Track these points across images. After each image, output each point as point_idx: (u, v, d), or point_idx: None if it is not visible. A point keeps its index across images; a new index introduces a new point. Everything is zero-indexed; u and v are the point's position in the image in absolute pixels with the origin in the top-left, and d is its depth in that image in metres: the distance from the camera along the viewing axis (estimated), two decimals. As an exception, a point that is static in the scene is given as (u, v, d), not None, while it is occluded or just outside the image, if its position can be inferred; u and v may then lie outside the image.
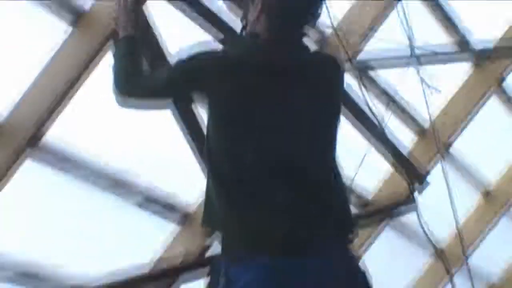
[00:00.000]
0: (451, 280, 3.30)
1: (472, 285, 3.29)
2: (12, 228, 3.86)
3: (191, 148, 3.21)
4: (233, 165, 2.51)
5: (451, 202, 3.61)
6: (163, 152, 3.87)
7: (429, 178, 5.11)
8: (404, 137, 5.04)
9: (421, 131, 5.36)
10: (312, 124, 2.56)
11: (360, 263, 2.69)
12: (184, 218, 4.36)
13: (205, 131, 2.65)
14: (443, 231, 5.35)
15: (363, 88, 3.14)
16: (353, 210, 4.39)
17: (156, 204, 4.30)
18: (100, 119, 3.68)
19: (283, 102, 2.51)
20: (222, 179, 2.53)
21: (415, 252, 6.08)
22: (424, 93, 4.06)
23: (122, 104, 2.75)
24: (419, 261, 6.26)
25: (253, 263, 2.42)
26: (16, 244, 3.92)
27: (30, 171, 3.69)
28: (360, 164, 4.57)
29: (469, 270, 4.27)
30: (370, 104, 3.16)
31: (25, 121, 3.53)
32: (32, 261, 4.01)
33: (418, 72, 3.93)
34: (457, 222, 3.54)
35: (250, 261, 2.43)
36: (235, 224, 2.48)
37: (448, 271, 3.45)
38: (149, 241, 4.44)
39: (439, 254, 3.81)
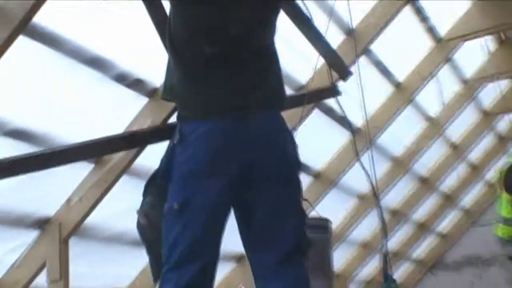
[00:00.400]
0: (357, 155, 3.34)
1: (372, 157, 3.33)
2: (8, 96, 3.80)
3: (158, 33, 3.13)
4: (190, 46, 2.53)
5: (361, 90, 3.64)
6: (137, 36, 3.81)
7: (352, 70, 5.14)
8: (333, 36, 5.03)
9: (348, 32, 5.36)
10: (254, 16, 2.57)
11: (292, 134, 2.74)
12: (152, 91, 4.34)
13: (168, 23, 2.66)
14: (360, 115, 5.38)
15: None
16: (288, 91, 4.43)
17: (129, 78, 4.26)
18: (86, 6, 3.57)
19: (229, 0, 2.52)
20: (181, 57, 2.55)
21: (339, 131, 6.18)
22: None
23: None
24: (342, 138, 6.37)
25: (202, 122, 2.47)
26: (11, 109, 3.87)
27: (23, 49, 3.57)
28: (315, 66, 4.61)
29: (371, 144, 4.35)
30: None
31: (20, 3, 3.42)
32: (26, 125, 3.98)
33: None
34: (365, 108, 3.58)
35: (199, 121, 2.48)
36: (189, 93, 2.54)
37: (355, 148, 3.50)
38: (123, 110, 4.42)
39: (353, 132, 3.86)
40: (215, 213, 2.46)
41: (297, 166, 2.62)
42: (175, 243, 2.43)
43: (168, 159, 2.57)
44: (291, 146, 2.62)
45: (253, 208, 2.49)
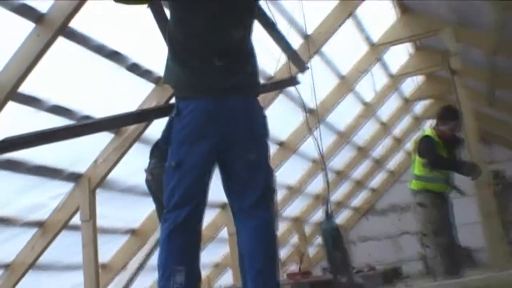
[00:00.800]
0: (309, 130, 3.30)
1: (320, 131, 3.30)
2: (50, 81, 3.74)
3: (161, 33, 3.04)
4: (184, 44, 2.48)
5: (313, 81, 3.59)
6: (146, 36, 3.71)
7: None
8: (294, 40, 4.97)
9: (305, 37, 5.32)
10: (234, 21, 2.52)
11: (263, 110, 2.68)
12: (157, 79, 4.29)
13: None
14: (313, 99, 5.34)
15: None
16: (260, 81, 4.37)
17: (140, 69, 4.21)
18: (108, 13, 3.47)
19: (215, 9, 2.45)
20: (177, 52, 2.51)
21: (297, 111, 6.01)
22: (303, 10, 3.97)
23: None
24: (299, 117, 6.28)
25: (194, 100, 2.43)
26: (53, 91, 3.82)
27: (61, 46, 3.54)
28: (277, 62, 4.55)
29: (319, 121, 4.31)
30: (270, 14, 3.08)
31: (60, 12, 3.36)
32: (63, 103, 3.94)
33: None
34: (315, 94, 3.53)
35: (192, 99, 2.44)
36: (183, 80, 2.49)
37: (308, 125, 3.45)
38: (136, 93, 4.37)
39: (307, 112, 3.81)
40: (202, 169, 2.41)
41: (266, 134, 2.56)
42: (173, 191, 2.38)
43: (168, 129, 2.51)
44: (262, 119, 2.56)
45: (232, 165, 2.45)
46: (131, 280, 4.28)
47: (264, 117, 2.58)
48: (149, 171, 3.70)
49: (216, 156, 2.45)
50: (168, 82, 2.63)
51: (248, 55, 2.61)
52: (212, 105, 2.40)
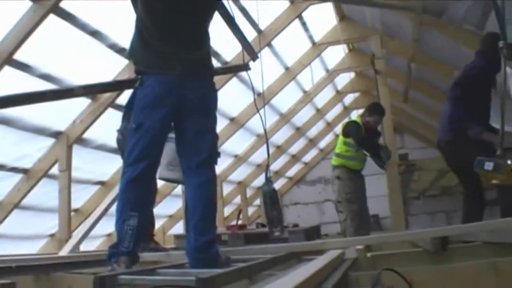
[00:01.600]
0: (257, 109, 3.30)
1: (265, 111, 3.31)
2: (40, 51, 3.73)
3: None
4: (152, 29, 2.43)
5: (261, 69, 3.62)
6: (123, 18, 3.74)
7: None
8: (249, 33, 5.03)
9: (258, 31, 5.35)
10: (198, 13, 2.53)
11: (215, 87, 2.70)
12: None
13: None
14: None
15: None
16: (218, 65, 4.44)
17: (117, 47, 4.23)
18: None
19: (182, 2, 2.44)
20: (142, 32, 2.46)
21: (247, 93, 5.94)
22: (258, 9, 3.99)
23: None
24: (249, 97, 6.29)
25: (154, 75, 2.42)
26: (42, 60, 3.82)
27: (51, 22, 3.54)
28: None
29: (264, 103, 4.36)
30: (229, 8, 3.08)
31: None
32: (50, 71, 3.94)
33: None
34: (263, 80, 3.54)
35: (152, 74, 2.42)
36: (146, 57, 2.44)
37: (256, 105, 3.45)
38: (112, 67, 4.37)
39: (255, 94, 3.83)
40: (158, 132, 2.39)
41: (215, 107, 2.57)
42: (132, 149, 2.37)
43: (132, 97, 2.52)
44: (213, 95, 2.56)
45: (185, 131, 2.44)
46: (95, 223, 4.32)
47: (215, 94, 2.57)
48: (121, 132, 3.75)
49: (171, 122, 2.44)
50: (132, 57, 2.56)
51: (205, 41, 2.57)
52: (173, 80, 2.39)
